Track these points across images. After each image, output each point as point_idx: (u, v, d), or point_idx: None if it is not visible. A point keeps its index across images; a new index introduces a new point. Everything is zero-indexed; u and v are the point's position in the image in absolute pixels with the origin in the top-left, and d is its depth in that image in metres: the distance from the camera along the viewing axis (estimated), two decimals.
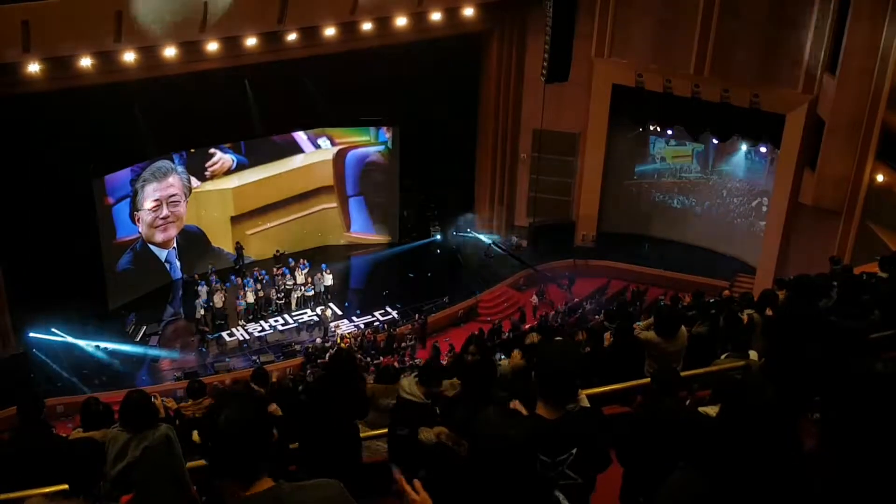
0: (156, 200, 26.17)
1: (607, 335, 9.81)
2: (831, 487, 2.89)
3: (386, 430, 7.24)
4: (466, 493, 3.08)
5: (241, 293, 26.29)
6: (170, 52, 21.89)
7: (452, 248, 29.69)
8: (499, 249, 28.54)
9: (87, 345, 23.82)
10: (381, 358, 23.35)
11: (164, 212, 26.58)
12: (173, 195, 26.59)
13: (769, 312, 9.21)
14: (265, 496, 2.82)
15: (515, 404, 4.19)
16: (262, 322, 26.34)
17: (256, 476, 2.84)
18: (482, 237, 29.70)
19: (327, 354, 21.43)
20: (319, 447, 6.14)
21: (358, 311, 26.98)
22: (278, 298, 26.84)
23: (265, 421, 2.92)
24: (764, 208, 26.97)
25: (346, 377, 6.60)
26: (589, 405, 4.70)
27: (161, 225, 26.74)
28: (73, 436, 6.68)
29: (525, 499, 2.87)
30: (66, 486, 4.30)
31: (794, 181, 24.06)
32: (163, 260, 27.15)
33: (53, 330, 23.59)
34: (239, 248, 28.03)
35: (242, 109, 25.23)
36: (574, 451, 3.83)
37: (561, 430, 3.80)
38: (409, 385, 6.71)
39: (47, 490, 4.64)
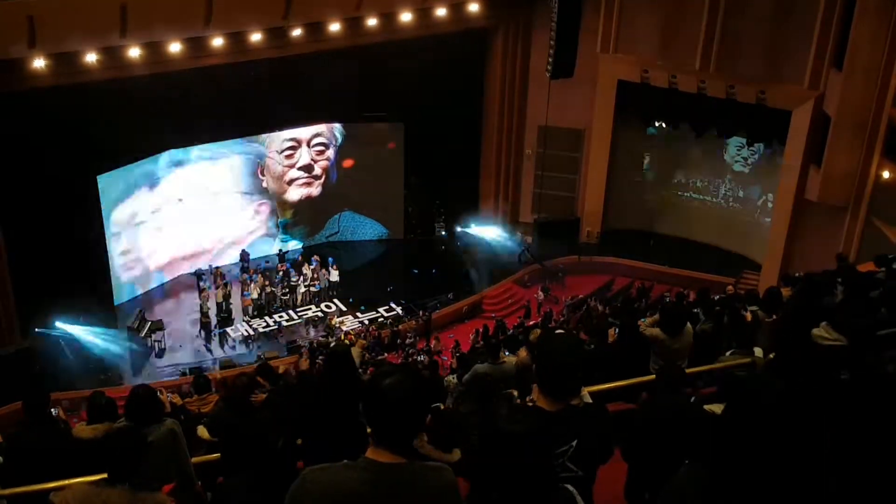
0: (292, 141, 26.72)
1: (612, 331, 9.81)
2: (839, 485, 2.88)
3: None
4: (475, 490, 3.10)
5: (246, 288, 26.32)
6: (175, 47, 21.91)
7: (457, 244, 29.66)
8: (528, 255, 28.44)
9: (93, 336, 23.88)
10: (386, 354, 23.36)
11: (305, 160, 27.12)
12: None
13: (774, 311, 9.20)
14: (402, 468, 3.04)
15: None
16: (266, 317, 26.36)
17: (408, 445, 3.06)
18: (493, 234, 29.68)
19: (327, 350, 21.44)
20: (327, 441, 6.14)
21: (362, 307, 27.00)
22: (283, 294, 26.88)
23: (426, 394, 3.16)
24: (769, 205, 26.92)
25: (345, 371, 6.60)
26: (591, 401, 4.70)
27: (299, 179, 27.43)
28: (76, 429, 6.70)
29: (534, 494, 2.87)
30: (104, 475, 4.32)
31: (799, 178, 23.99)
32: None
33: (59, 325, 23.64)
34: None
35: (247, 105, 25.18)
36: (574, 443, 3.84)
37: (561, 423, 3.81)
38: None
39: (91, 479, 4.65)
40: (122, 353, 23.83)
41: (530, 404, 4.03)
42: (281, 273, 27.13)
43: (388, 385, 3.00)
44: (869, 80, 21.52)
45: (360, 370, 8.57)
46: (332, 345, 18.78)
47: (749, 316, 9.06)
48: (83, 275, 23.41)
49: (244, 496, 4.65)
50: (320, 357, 22.51)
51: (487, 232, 29.68)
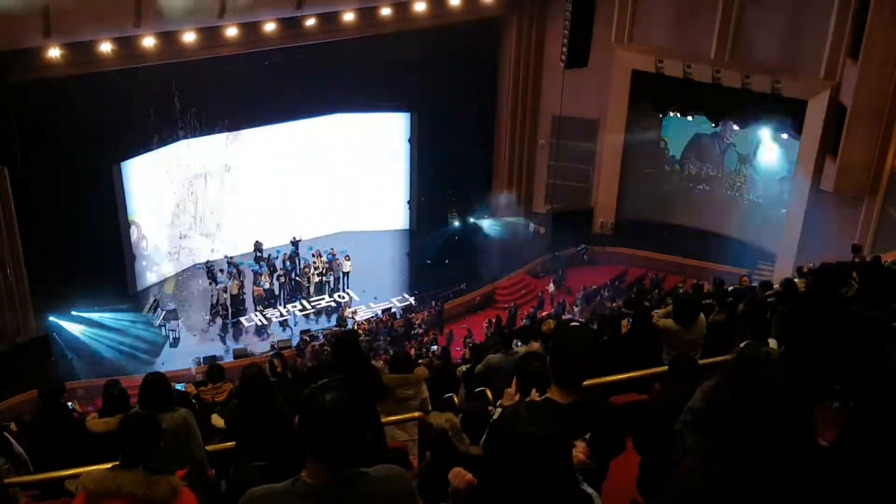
0: None
1: (625, 322, 9.77)
2: (850, 476, 2.87)
3: (401, 417, 7.26)
4: (485, 487, 3.05)
5: (259, 279, 26.41)
6: (189, 37, 21.97)
7: (470, 234, 29.62)
8: (585, 256, 28.47)
9: (112, 318, 24.04)
10: (405, 343, 23.39)
11: None
12: None
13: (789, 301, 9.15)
14: (343, 488, 2.88)
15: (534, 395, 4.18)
16: (279, 307, 26.46)
17: (348, 461, 2.90)
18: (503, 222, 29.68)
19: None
20: None
21: (375, 298, 27.05)
22: (305, 283, 26.93)
23: (365, 408, 2.98)
24: (785, 195, 26.76)
25: (353, 360, 6.61)
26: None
27: None
28: (89, 422, 6.74)
29: (554, 496, 2.84)
30: (116, 462, 4.36)
31: (815, 168, 23.83)
32: None
33: (74, 313, 23.79)
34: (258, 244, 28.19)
35: (260, 95, 25.18)
36: (587, 436, 3.83)
37: (574, 416, 3.80)
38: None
39: (107, 466, 4.68)
40: (138, 341, 23.97)
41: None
42: (288, 262, 27.21)
43: (329, 401, 2.84)
44: (885, 70, 21.34)
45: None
46: (340, 333, 18.90)
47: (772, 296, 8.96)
48: (100, 264, 23.52)
49: (259, 484, 4.66)
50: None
51: (503, 222, 29.63)
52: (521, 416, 2.89)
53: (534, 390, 4.45)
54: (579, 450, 3.74)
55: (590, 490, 3.20)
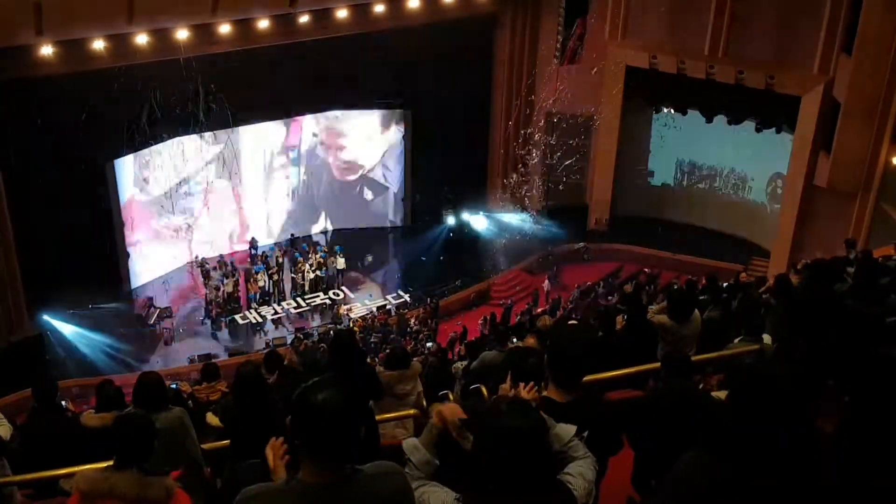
0: None
1: (620, 318, 9.77)
2: (848, 470, 2.87)
3: (399, 414, 7.26)
4: (471, 479, 3.06)
5: (254, 276, 26.37)
6: (181, 34, 21.89)
7: (465, 231, 29.61)
8: (587, 255, 28.50)
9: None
10: (403, 340, 23.35)
11: None
12: None
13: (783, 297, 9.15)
14: (340, 487, 2.86)
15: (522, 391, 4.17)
16: (274, 305, 26.41)
17: (345, 459, 2.87)
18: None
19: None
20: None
21: (370, 295, 27.02)
22: (300, 280, 26.90)
23: (359, 406, 2.96)
24: (779, 191, 26.80)
25: (349, 357, 6.59)
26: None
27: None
28: (84, 417, 6.73)
29: (533, 488, 2.85)
30: (111, 462, 4.35)
31: (809, 164, 23.86)
32: None
33: (68, 311, 23.70)
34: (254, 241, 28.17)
35: (254, 93, 25.09)
36: (585, 434, 3.83)
37: (572, 414, 3.80)
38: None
39: (99, 466, 4.67)
40: (132, 339, 23.91)
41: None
42: (283, 259, 27.18)
43: (321, 400, 2.81)
44: (879, 66, 21.35)
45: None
46: (336, 331, 18.85)
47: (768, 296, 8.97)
48: (94, 262, 23.44)
49: (255, 482, 4.66)
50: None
51: (500, 218, 29.61)
52: (500, 410, 2.92)
53: (521, 386, 4.45)
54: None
55: (571, 480, 3.19)
